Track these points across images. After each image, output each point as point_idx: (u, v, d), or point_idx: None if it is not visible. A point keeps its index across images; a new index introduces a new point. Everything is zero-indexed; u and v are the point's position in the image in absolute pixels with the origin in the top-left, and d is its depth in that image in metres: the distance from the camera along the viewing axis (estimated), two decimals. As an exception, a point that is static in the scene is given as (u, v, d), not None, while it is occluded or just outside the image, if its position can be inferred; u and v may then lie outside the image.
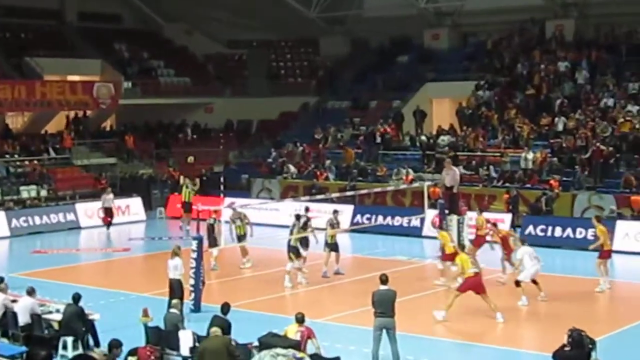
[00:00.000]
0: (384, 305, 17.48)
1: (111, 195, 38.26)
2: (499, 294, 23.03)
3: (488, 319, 21.49)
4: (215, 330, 15.56)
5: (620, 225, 31.29)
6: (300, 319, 16.75)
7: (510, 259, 25.30)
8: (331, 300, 24.72)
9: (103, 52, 52.70)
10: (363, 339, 18.49)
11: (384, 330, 17.50)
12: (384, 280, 17.87)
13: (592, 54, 43.95)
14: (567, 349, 14.03)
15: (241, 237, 28.07)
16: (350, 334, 20.37)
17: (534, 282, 23.30)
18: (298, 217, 26.71)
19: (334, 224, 27.29)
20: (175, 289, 21.41)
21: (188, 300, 22.25)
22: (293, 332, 16.58)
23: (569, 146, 37.71)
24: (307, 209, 28.84)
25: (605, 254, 25.07)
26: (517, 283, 23.07)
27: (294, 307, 22.53)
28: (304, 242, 26.83)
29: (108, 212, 37.87)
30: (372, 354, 17.54)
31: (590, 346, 14.83)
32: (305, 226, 26.71)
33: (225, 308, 17.65)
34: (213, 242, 27.30)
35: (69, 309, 18.66)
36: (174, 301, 18.89)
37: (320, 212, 36.25)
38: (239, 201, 36.50)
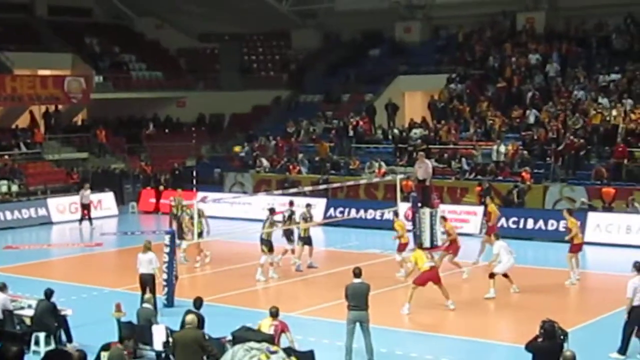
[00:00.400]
0: (358, 299, 17.49)
1: (89, 191, 37.95)
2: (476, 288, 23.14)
3: (463, 312, 21.60)
4: (192, 319, 15.42)
5: (592, 217, 31.53)
6: (274, 313, 16.75)
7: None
8: (305, 294, 24.76)
9: (74, 46, 52.38)
10: (336, 332, 18.53)
11: (358, 324, 17.54)
12: (357, 273, 17.87)
13: (562, 46, 44.15)
14: (539, 340, 14.11)
15: (199, 234, 27.11)
16: (324, 327, 20.41)
17: (505, 275, 23.41)
18: (271, 210, 26.67)
19: (306, 218, 27.35)
20: (149, 284, 21.37)
21: (161, 295, 22.21)
22: (267, 326, 16.58)
23: (540, 138, 37.88)
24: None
25: (575, 247, 25.21)
26: (492, 275, 23.17)
27: (268, 301, 22.55)
28: (289, 235, 26.88)
29: (86, 208, 37.57)
30: (346, 347, 17.56)
31: (562, 337, 14.92)
32: (290, 219, 26.99)
33: (198, 302, 17.65)
34: (180, 235, 27.18)
35: (41, 304, 18.59)
36: (147, 296, 18.87)
37: (293, 206, 36.42)
38: (211, 195, 36.48)
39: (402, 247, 26.40)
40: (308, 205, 28.12)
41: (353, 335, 17.53)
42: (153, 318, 17.98)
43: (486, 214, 29.62)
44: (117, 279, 25.86)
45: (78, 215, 37.88)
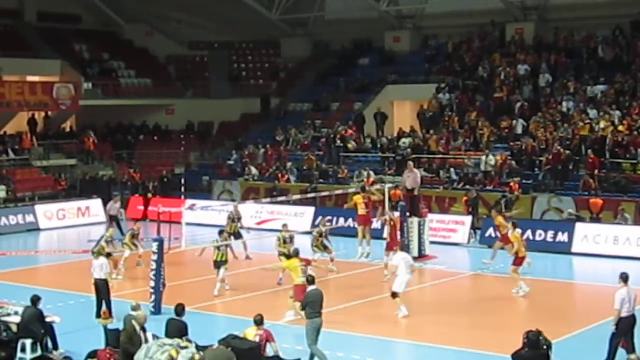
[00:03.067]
0: (317, 305, 17.79)
1: (118, 204, 36.58)
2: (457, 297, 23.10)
3: (447, 320, 21.60)
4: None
5: (580, 227, 31.57)
6: (259, 322, 16.73)
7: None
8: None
9: (63, 53, 52.29)
10: (323, 340, 18.50)
11: (317, 331, 17.67)
12: (310, 281, 18.51)
13: (551, 57, 44.27)
14: (524, 350, 14.13)
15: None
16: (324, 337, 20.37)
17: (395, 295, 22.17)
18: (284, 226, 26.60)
19: (288, 239, 26.97)
20: (101, 289, 21.33)
21: (148, 303, 22.17)
22: (252, 335, 16.57)
23: (528, 149, 37.95)
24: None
25: (519, 261, 24.98)
26: (394, 295, 22.08)
27: (255, 309, 22.48)
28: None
29: (113, 220, 36.12)
30: (318, 356, 17.71)
31: (545, 347, 14.92)
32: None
33: (180, 309, 17.55)
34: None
35: (28, 311, 18.50)
36: (134, 304, 18.73)
37: (282, 215, 36.45)
38: (199, 203, 36.40)
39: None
40: (284, 226, 27.88)
41: (316, 342, 17.62)
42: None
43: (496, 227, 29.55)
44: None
45: (66, 223, 37.71)
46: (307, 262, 21.96)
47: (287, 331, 20.26)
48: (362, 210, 30.44)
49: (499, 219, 28.45)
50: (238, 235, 29.98)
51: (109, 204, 37.06)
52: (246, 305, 23.78)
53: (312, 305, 17.70)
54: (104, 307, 20.68)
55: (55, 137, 49.79)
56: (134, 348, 16.10)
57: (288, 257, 24.03)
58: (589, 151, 36.51)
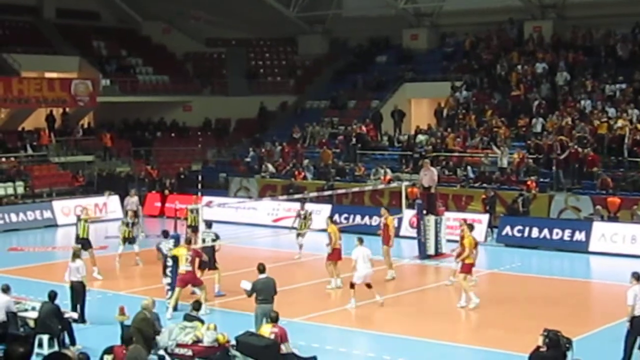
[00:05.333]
0: (266, 292, 18.49)
1: (135, 198, 35.91)
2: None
3: (464, 318, 21.57)
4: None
5: (597, 226, 31.45)
6: (274, 319, 16.76)
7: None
8: (308, 299, 24.68)
9: (81, 50, 52.47)
10: (340, 338, 18.54)
11: (264, 317, 18.07)
12: (261, 269, 19.06)
13: (569, 55, 44.11)
14: (542, 349, 14.07)
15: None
16: (327, 333, 20.39)
17: (368, 285, 22.59)
18: (165, 234, 25.79)
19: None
20: (78, 292, 21.24)
21: (165, 299, 22.24)
22: (267, 332, 16.60)
23: (546, 147, 37.83)
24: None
25: (466, 267, 23.34)
26: (352, 285, 22.49)
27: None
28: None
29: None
30: None
31: (567, 346, 14.88)
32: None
33: (196, 305, 17.66)
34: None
35: (45, 307, 18.59)
36: (145, 301, 18.52)
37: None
38: (216, 200, 36.46)
39: (333, 256, 25.63)
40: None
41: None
42: (157, 323, 17.79)
43: None
44: (121, 283, 25.87)
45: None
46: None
47: (304, 328, 20.27)
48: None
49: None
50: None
51: (125, 199, 37.08)
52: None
53: (259, 292, 18.49)
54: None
55: (72, 134, 49.84)
56: (148, 329, 16.87)
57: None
58: (589, 149, 36.49)
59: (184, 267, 22.01)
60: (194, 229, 28.86)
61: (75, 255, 21.73)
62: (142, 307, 17.41)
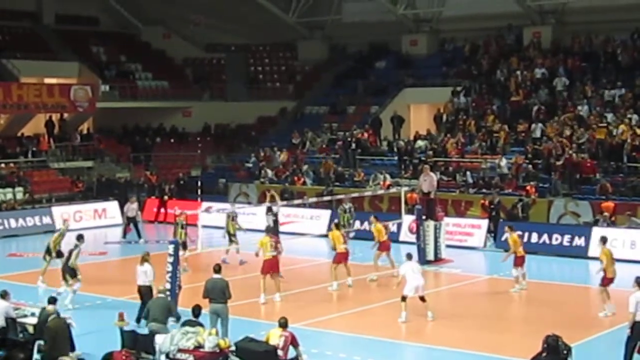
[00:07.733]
0: (215, 292, 19.21)
1: (135, 205, 36.73)
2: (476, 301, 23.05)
3: (464, 325, 21.54)
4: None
5: (596, 231, 31.38)
6: (283, 324, 16.77)
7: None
8: (309, 305, 24.66)
9: (80, 55, 52.50)
10: (340, 344, 18.51)
11: (217, 315, 19.00)
12: (216, 270, 19.76)
13: (568, 61, 44.16)
14: (543, 354, 14.07)
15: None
16: (327, 338, 20.37)
17: (422, 299, 22.17)
18: (79, 237, 25.49)
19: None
20: (145, 296, 21.35)
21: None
22: (277, 336, 16.56)
23: (545, 153, 37.85)
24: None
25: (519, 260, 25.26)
26: (403, 298, 22.04)
27: (271, 312, 22.58)
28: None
29: (131, 221, 36.54)
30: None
31: (565, 352, 14.88)
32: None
33: (197, 310, 17.64)
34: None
35: (45, 312, 18.55)
36: (161, 287, 19.23)
37: (297, 217, 36.47)
38: (216, 205, 36.41)
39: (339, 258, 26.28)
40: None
41: (215, 325, 18.70)
42: (173, 306, 18.91)
43: None
44: (121, 288, 25.83)
45: (82, 224, 37.77)
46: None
47: (306, 334, 20.24)
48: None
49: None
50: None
51: (125, 206, 37.17)
52: (263, 308, 23.87)
53: (209, 292, 19.29)
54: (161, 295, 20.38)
55: (71, 140, 49.84)
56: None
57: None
58: (585, 155, 36.60)
59: (270, 253, 24.03)
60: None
61: (144, 259, 21.76)
62: (160, 292, 19.03)
